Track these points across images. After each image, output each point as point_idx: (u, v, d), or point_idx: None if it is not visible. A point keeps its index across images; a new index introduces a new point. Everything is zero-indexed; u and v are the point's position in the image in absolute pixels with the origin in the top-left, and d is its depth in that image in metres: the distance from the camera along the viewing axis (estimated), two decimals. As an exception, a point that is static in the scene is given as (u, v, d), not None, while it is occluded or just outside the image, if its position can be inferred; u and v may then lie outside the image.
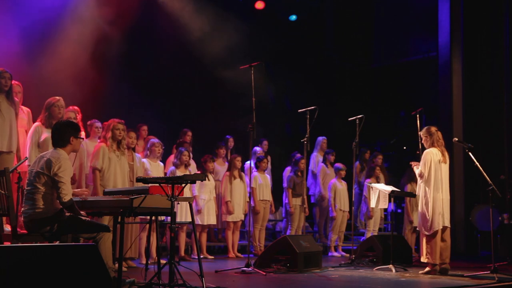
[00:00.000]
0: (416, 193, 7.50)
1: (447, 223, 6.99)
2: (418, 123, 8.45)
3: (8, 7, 8.78)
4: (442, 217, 6.93)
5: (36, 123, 6.73)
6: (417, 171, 7.12)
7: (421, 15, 12.83)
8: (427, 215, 6.94)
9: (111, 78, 9.55)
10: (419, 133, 7.49)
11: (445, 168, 7.09)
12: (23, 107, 7.01)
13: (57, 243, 4.81)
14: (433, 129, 7.18)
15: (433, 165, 6.98)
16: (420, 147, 7.93)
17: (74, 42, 9.21)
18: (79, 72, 9.07)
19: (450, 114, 10.97)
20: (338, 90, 13.43)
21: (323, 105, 8.44)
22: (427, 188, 6.99)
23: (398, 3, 13.65)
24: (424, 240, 6.99)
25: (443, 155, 7.08)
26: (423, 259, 7.01)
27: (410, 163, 7.51)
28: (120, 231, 4.94)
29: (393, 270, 7.13)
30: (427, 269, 6.94)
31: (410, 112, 8.89)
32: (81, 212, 4.97)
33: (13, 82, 6.65)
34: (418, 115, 8.56)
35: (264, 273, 6.52)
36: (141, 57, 10.42)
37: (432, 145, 7.11)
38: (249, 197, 7.80)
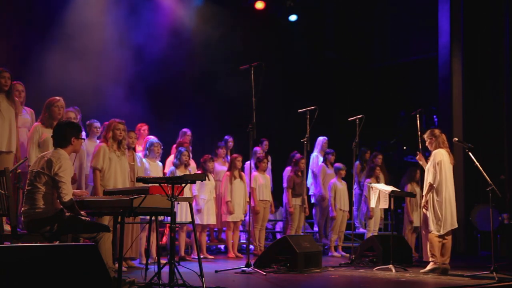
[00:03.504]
0: (422, 193, 7.45)
1: (456, 225, 7.02)
2: (418, 123, 8.46)
3: (9, 6, 8.80)
4: (453, 217, 6.97)
5: (36, 123, 6.73)
6: (429, 177, 7.02)
7: (421, 15, 12.83)
8: (438, 216, 6.93)
9: (111, 78, 9.55)
10: (419, 133, 7.47)
11: (451, 169, 7.12)
12: (26, 107, 7.02)
13: (57, 243, 4.81)
14: (437, 131, 7.22)
15: (443, 166, 7.00)
16: (420, 147, 7.95)
17: (75, 42, 9.23)
18: (79, 72, 9.10)
19: (450, 114, 10.97)
20: (338, 90, 13.43)
21: (323, 105, 8.44)
22: (436, 190, 6.98)
23: (398, 3, 13.65)
24: (428, 240, 6.99)
25: (449, 156, 7.12)
26: (428, 258, 6.99)
27: (417, 152, 7.49)
28: (120, 231, 4.94)
29: (393, 270, 7.13)
30: (429, 267, 6.91)
31: (410, 112, 8.89)
32: (81, 212, 4.97)
33: (15, 81, 6.65)
34: (418, 115, 8.57)
35: (264, 273, 6.52)
36: (140, 57, 10.41)
37: (438, 146, 7.13)
38: (249, 197, 7.79)
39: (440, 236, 6.92)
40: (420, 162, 7.57)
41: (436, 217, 6.96)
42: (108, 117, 7.07)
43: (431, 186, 7.02)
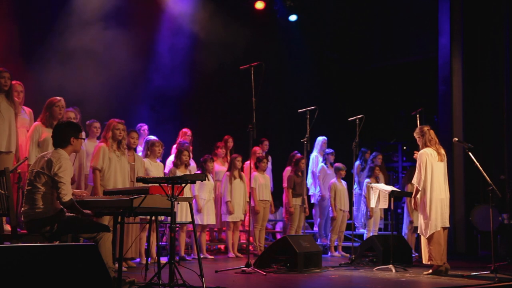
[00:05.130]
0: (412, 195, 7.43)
1: (447, 224, 6.95)
2: (418, 123, 8.44)
3: (9, 6, 8.80)
4: (441, 218, 6.89)
5: (36, 123, 6.73)
6: (415, 179, 6.99)
7: (421, 15, 12.83)
8: (425, 217, 6.89)
9: (111, 78, 9.55)
10: (414, 134, 7.42)
11: (442, 167, 7.00)
12: (25, 107, 7.01)
13: (57, 243, 4.80)
14: (425, 128, 7.09)
15: (429, 166, 6.91)
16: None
17: (75, 42, 9.24)
18: (79, 72, 9.10)
19: (450, 114, 10.97)
20: (338, 90, 13.43)
21: (323, 105, 8.44)
22: (424, 189, 6.92)
23: (398, 3, 13.65)
24: (426, 241, 6.96)
25: (438, 153, 6.98)
26: (426, 261, 6.95)
27: (414, 152, 7.46)
28: (120, 231, 4.94)
29: (393, 270, 7.13)
30: (432, 270, 6.87)
31: (410, 112, 8.89)
32: (85, 211, 4.96)
33: (14, 81, 6.65)
34: (418, 115, 8.56)
35: (264, 273, 6.52)
36: (140, 56, 10.41)
37: (425, 145, 7.03)
38: (249, 197, 7.80)
39: (433, 237, 6.85)
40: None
41: (423, 217, 6.94)
42: (108, 117, 7.07)
43: (416, 188, 6.99)
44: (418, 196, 6.98)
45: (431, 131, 7.09)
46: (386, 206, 8.19)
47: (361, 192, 9.79)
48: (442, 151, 7.07)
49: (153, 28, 10.75)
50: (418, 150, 7.17)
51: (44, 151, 5.87)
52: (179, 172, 7.85)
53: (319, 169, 10.07)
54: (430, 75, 11.84)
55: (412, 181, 7.11)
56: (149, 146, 7.78)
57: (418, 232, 7.09)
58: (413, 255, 8.58)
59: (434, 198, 6.89)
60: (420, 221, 6.98)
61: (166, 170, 8.18)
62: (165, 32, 10.92)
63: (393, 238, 7.73)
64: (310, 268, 7.08)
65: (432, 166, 6.92)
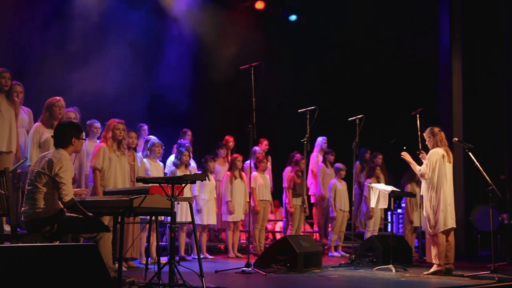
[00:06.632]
0: (421, 193, 7.45)
1: (453, 224, 6.96)
2: (418, 123, 8.45)
3: (9, 5, 8.81)
4: (449, 217, 6.91)
5: (37, 123, 6.73)
6: (418, 171, 7.06)
7: (421, 15, 12.82)
8: (431, 216, 6.92)
9: (111, 78, 9.54)
10: (419, 133, 7.46)
11: (449, 168, 7.07)
12: (24, 107, 7.01)
13: (57, 243, 4.81)
14: (436, 129, 7.16)
15: (437, 165, 6.96)
16: (420, 147, 7.93)
17: (75, 41, 9.24)
18: (79, 72, 9.10)
19: (450, 114, 10.97)
20: (338, 90, 13.42)
21: (323, 105, 8.43)
22: (432, 189, 6.95)
23: (398, 3, 13.64)
24: (430, 240, 6.96)
25: (447, 154, 7.06)
26: (431, 259, 6.96)
27: (402, 153, 7.46)
28: (120, 231, 4.94)
29: (393, 270, 7.13)
30: (432, 269, 6.89)
31: (410, 112, 8.89)
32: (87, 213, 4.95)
33: (14, 82, 6.65)
34: (418, 115, 8.56)
35: (264, 273, 6.53)
36: (140, 56, 10.41)
37: (435, 145, 7.09)
38: (249, 197, 7.80)
39: (438, 236, 6.87)
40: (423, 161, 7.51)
41: (430, 217, 6.95)
42: (108, 117, 7.06)
43: (421, 175, 7.01)
44: (428, 193, 6.97)
45: (442, 133, 7.17)
46: (386, 206, 8.19)
47: (361, 192, 9.78)
48: (450, 153, 7.14)
49: (153, 27, 10.74)
50: (418, 156, 7.24)
51: (45, 151, 5.86)
52: (179, 172, 7.85)
53: (319, 169, 10.07)
54: (430, 75, 11.83)
55: (418, 169, 7.10)
56: (149, 146, 7.78)
57: (423, 229, 7.10)
58: (413, 256, 8.58)
59: (443, 199, 6.93)
60: (426, 218, 6.98)
61: (166, 170, 8.19)
62: (165, 32, 10.92)
63: (393, 238, 7.73)
64: (310, 268, 7.08)
65: (441, 166, 6.96)
